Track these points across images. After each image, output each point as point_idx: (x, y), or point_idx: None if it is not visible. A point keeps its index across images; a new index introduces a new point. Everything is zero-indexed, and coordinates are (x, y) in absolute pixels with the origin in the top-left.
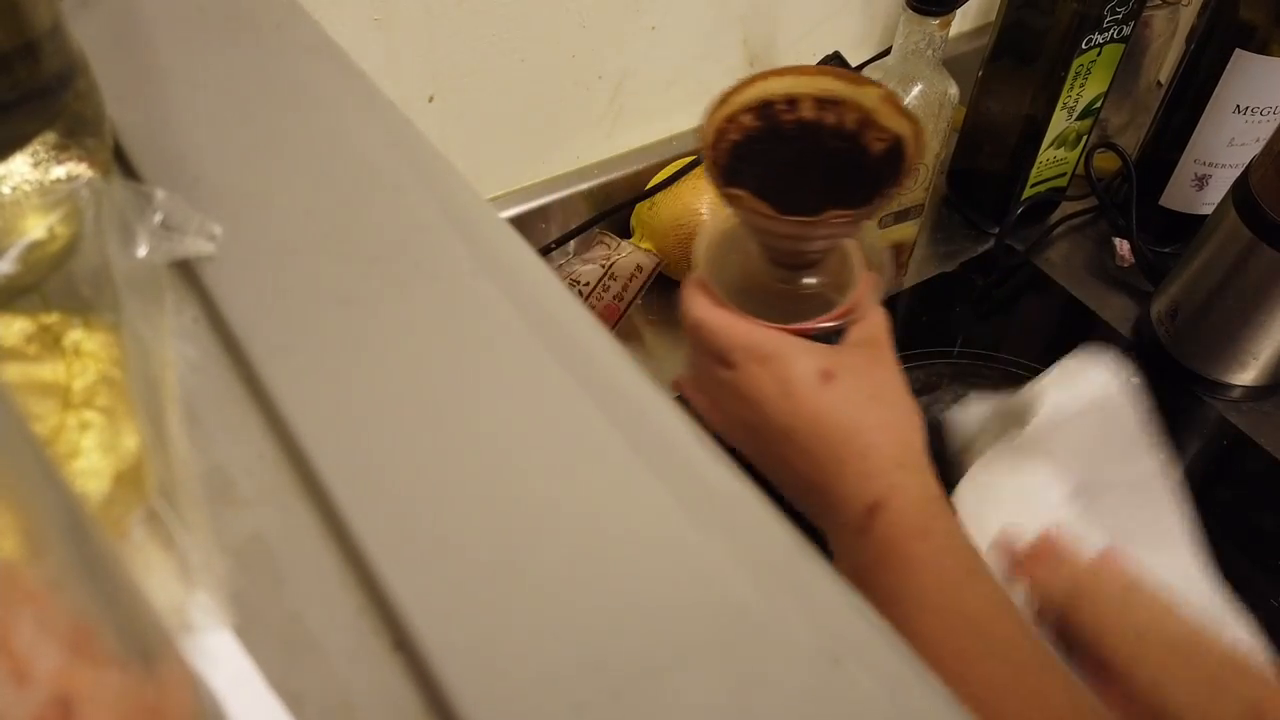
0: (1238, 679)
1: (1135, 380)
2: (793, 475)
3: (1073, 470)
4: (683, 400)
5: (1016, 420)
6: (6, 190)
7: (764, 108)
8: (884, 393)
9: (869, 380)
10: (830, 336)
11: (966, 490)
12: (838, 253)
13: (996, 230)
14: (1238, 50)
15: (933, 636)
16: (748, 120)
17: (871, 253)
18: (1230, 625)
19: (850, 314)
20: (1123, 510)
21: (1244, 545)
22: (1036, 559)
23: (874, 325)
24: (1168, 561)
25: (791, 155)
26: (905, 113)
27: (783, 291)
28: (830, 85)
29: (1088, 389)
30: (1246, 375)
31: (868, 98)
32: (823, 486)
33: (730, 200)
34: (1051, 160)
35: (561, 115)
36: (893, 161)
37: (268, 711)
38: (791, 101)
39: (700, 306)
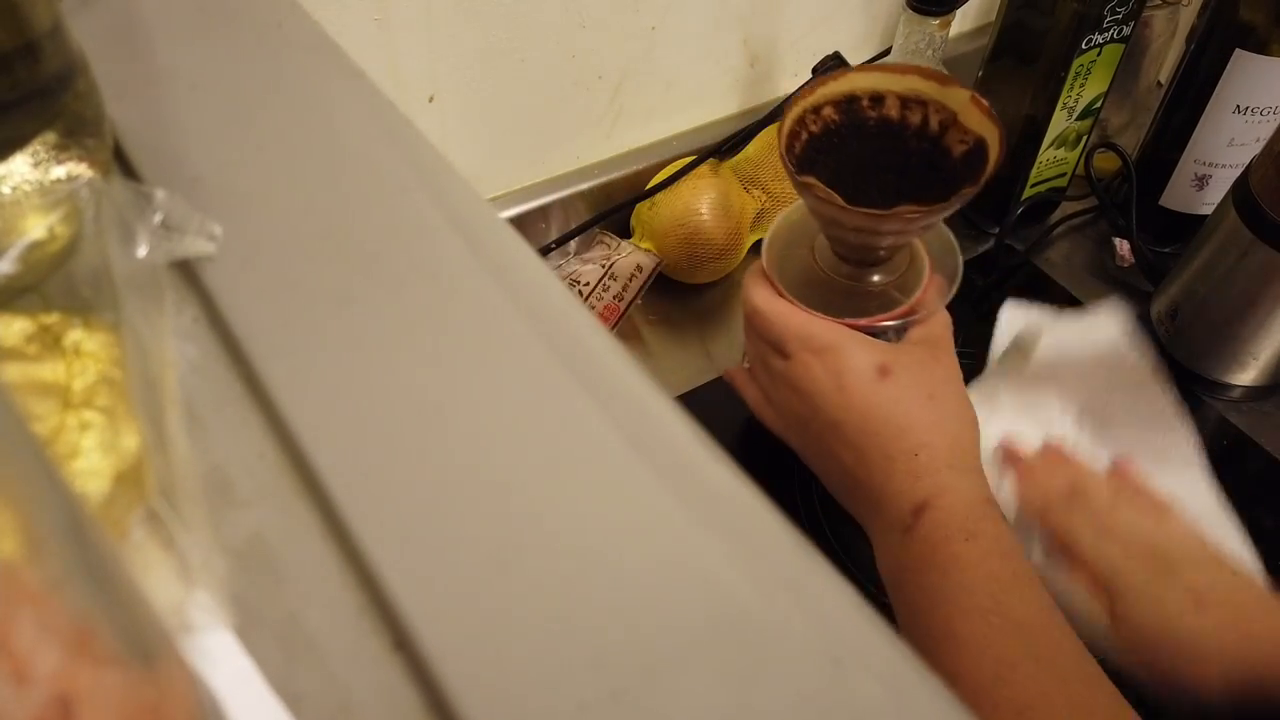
0: (1228, 589)
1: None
2: (839, 470)
3: (1080, 396)
4: (734, 390)
5: (1022, 352)
6: (6, 190)
7: (848, 102)
8: (940, 392)
9: (926, 378)
10: (890, 335)
11: (971, 395)
12: (905, 252)
13: (996, 230)
14: (1238, 50)
15: (976, 639)
16: (829, 113)
17: (942, 256)
18: (1232, 539)
19: (912, 314)
20: (1130, 433)
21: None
22: (1038, 460)
23: (936, 325)
24: (1175, 479)
25: (870, 152)
26: (991, 116)
27: (846, 288)
28: (917, 85)
29: (1096, 333)
30: (1246, 375)
31: (954, 99)
32: (869, 483)
33: (802, 189)
34: (1051, 160)
35: (561, 115)
36: (973, 164)
37: (268, 711)
38: (877, 98)
39: (760, 296)
